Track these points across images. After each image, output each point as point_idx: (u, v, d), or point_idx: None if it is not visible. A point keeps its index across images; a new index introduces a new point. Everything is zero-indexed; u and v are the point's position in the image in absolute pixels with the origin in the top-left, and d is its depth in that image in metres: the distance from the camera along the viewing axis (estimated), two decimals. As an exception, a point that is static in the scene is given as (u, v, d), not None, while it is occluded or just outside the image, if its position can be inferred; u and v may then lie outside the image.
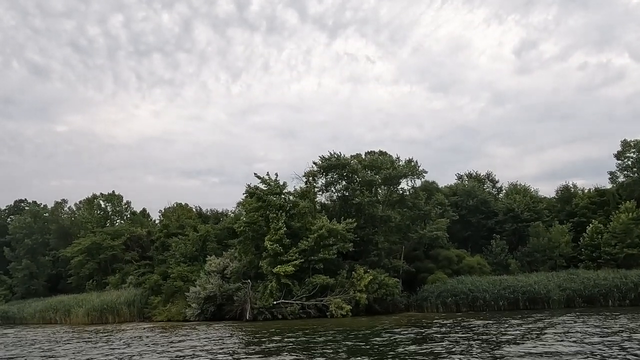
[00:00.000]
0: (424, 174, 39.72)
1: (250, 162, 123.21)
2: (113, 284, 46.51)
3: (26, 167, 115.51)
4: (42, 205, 66.35)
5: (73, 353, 18.81)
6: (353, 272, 33.69)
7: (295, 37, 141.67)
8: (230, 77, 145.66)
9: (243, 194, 39.01)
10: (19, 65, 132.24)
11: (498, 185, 53.41)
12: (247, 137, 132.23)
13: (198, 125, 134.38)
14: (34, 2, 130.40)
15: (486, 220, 45.25)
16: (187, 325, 30.96)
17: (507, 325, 22.34)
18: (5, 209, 69.79)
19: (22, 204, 69.80)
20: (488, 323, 23.71)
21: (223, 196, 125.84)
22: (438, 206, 41.31)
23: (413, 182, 40.20)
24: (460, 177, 54.33)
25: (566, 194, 47.66)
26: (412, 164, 39.20)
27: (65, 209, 64.67)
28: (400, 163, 39.70)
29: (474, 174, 53.94)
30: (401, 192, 40.25)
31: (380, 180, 38.87)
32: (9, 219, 66.54)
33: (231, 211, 51.57)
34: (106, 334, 26.95)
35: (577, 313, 26.77)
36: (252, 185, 37.34)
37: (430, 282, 35.68)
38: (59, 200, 65.32)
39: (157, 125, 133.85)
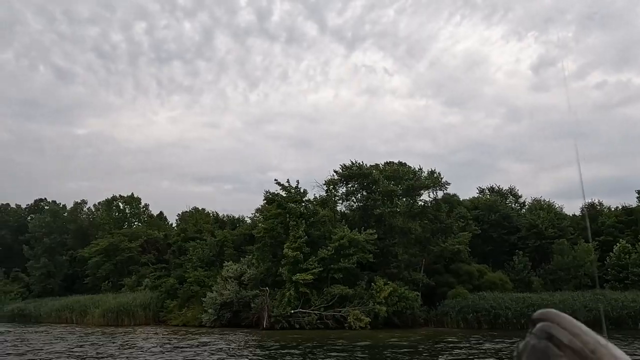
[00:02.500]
0: (446, 186, 39.13)
1: (264, 170, 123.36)
2: (129, 285, 46.47)
3: (46, 167, 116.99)
4: (61, 205, 66.98)
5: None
6: (372, 284, 33.09)
7: (314, 48, 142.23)
8: (248, 85, 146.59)
9: (263, 200, 38.87)
10: (45, 69, 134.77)
11: (521, 200, 52.39)
12: (262, 146, 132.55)
13: (214, 132, 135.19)
14: (61, 8, 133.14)
15: (508, 236, 44.26)
16: (212, 331, 30.56)
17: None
18: (25, 208, 70.66)
19: (41, 203, 70.60)
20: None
21: (236, 203, 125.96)
22: (460, 219, 40.52)
23: (435, 194, 39.62)
24: (481, 191, 53.45)
25: (591, 212, 46.45)
26: (435, 175, 38.61)
27: (84, 209, 65.22)
28: (423, 174, 39.13)
29: (496, 188, 53.02)
30: (422, 203, 39.63)
31: (401, 191, 38.34)
32: (29, 218, 67.27)
33: (248, 217, 51.38)
34: (134, 335, 26.75)
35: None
36: (270, 192, 37.16)
37: (450, 297, 34.84)
38: (78, 201, 65.98)
39: (174, 131, 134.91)
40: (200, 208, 58.13)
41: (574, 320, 0.73)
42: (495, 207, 45.73)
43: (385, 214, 36.29)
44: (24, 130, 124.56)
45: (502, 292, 35.20)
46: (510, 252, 42.31)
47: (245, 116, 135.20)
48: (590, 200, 48.47)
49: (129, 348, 20.95)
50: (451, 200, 42.68)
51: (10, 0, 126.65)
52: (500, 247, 44.14)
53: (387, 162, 43.88)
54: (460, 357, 17.59)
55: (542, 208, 45.44)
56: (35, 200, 71.50)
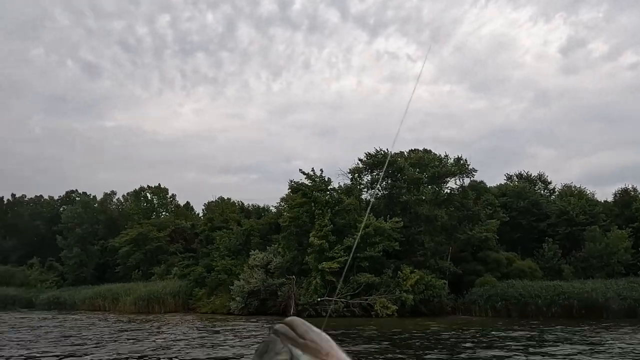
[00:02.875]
0: (473, 173, 38.52)
1: (288, 159, 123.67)
2: (158, 274, 47.49)
3: (77, 160, 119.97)
4: (91, 196, 68.64)
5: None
6: (399, 272, 32.98)
7: (336, 35, 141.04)
8: (271, 75, 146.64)
9: (288, 189, 39.06)
10: (73, 64, 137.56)
11: (550, 186, 51.18)
12: (286, 135, 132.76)
13: (238, 123, 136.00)
14: (88, 3, 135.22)
15: (537, 223, 43.38)
16: (241, 318, 31.03)
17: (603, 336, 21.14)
18: (58, 199, 72.72)
19: (73, 195, 72.52)
20: (577, 330, 22.54)
21: (261, 192, 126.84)
22: (488, 207, 39.87)
23: (461, 181, 39.07)
24: (509, 178, 52.40)
25: (625, 198, 45.07)
26: (462, 162, 38.03)
27: (114, 200, 66.75)
28: (449, 161, 38.59)
29: (525, 174, 51.90)
30: (449, 191, 39.18)
31: (426, 179, 37.95)
32: (61, 209, 69.25)
33: (274, 206, 51.72)
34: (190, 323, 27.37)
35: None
36: (295, 181, 37.29)
37: (478, 285, 34.48)
38: (108, 192, 67.53)
39: (200, 122, 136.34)
40: (226, 198, 58.81)
41: (305, 322, 0.84)
42: (524, 193, 44.83)
43: (410, 201, 36.01)
44: (55, 124, 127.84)
45: (531, 281, 34.65)
46: (539, 239, 41.50)
47: (268, 106, 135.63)
48: (623, 186, 47.09)
49: (172, 333, 21.46)
50: (478, 188, 41.99)
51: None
52: (529, 234, 43.34)
53: (411, 149, 43.39)
54: (489, 345, 17.41)
55: (572, 194, 44.35)
56: (67, 192, 73.51)
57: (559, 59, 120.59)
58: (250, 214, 52.59)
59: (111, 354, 15.30)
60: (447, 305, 33.69)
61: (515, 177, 52.17)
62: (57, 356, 15.06)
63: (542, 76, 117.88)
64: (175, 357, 14.65)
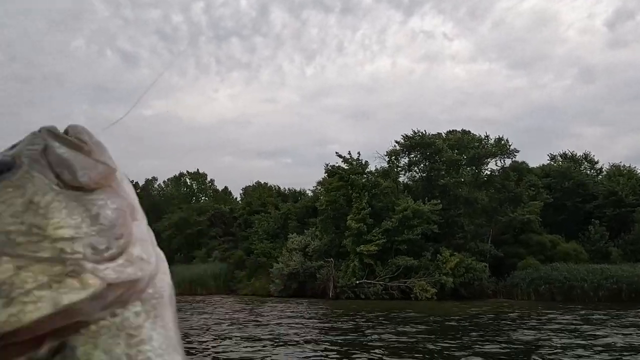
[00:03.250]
0: (515, 153, 37.41)
1: (323, 143, 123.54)
2: (199, 257, 48.81)
3: (118, 148, 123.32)
4: (134, 183, 70.82)
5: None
6: (438, 255, 32.63)
7: (370, 16, 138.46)
8: (305, 59, 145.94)
9: (324, 172, 39.09)
10: (112, 54, 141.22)
11: (597, 166, 49.11)
12: (319, 119, 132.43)
13: (272, 107, 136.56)
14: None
15: (583, 204, 41.77)
16: (282, 300, 31.59)
17: None
18: (102, 186, 75.50)
19: (116, 181, 75.12)
20: (625, 314, 21.82)
21: (296, 177, 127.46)
22: (530, 188, 38.66)
23: (502, 162, 38.03)
24: (553, 158, 50.60)
25: (679, 177, 42.76)
26: (502, 142, 36.96)
27: (155, 186, 68.69)
28: (489, 142, 37.57)
29: (569, 154, 49.97)
30: (489, 172, 38.26)
31: (466, 160, 37.14)
32: (106, 195, 71.93)
33: (310, 189, 51.96)
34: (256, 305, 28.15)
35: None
36: (331, 165, 37.28)
37: (520, 268, 33.71)
38: (149, 178, 69.54)
39: (234, 108, 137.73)
40: (262, 182, 59.53)
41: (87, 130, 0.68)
42: (569, 174, 43.20)
43: (449, 184, 35.40)
44: (97, 114, 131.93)
45: (576, 264, 33.57)
46: (585, 221, 39.98)
47: (302, 90, 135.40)
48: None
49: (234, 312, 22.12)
50: (520, 168, 40.72)
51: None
52: (575, 216, 41.82)
53: (449, 130, 42.44)
54: (532, 328, 17.03)
55: (621, 174, 42.44)
56: (111, 179, 76.19)
57: (604, 32, 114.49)
58: (287, 198, 53.10)
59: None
60: (488, 289, 33.16)
61: (559, 157, 50.35)
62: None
63: (587, 51, 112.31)
64: (220, 337, 15.07)
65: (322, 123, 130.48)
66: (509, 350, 12.71)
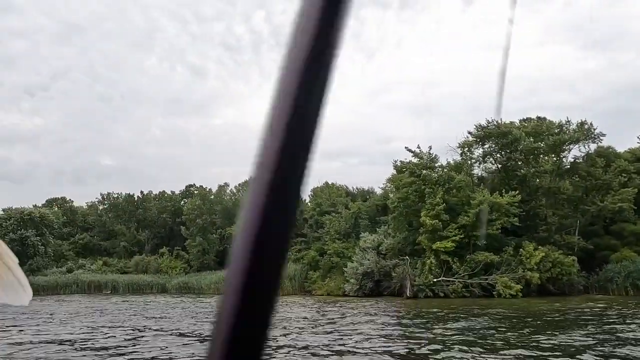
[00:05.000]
0: (600, 138, 34.69)
1: (386, 141, 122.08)
2: (273, 259, 49.68)
3: (192, 156, 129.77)
4: (208, 189, 73.63)
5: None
6: (521, 249, 30.90)
7: (429, 9, 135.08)
8: (365, 58, 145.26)
9: (393, 169, 38.37)
10: (182, 69, 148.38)
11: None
12: (382, 117, 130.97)
13: (334, 108, 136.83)
14: (191, 11, 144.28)
15: (684, 189, 37.88)
16: (358, 299, 31.39)
17: None
18: (179, 193, 79.09)
19: (191, 188, 78.40)
20: None
21: (362, 176, 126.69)
22: (621, 174, 35.65)
23: (587, 147, 35.41)
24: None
25: None
26: (586, 127, 34.40)
27: (227, 191, 70.99)
28: (571, 127, 35.11)
29: (663, 135, 45.55)
30: (572, 159, 35.77)
31: (546, 148, 34.94)
32: (182, 202, 75.30)
33: (380, 187, 51.29)
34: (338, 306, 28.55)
35: None
36: (401, 161, 36.49)
37: (614, 261, 31.18)
38: (222, 184, 71.96)
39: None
40: (330, 183, 59.61)
41: None
42: (665, 157, 39.36)
43: (529, 174, 33.49)
44: (171, 125, 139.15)
45: (680, 254, 30.53)
46: (687, 207, 36.27)
47: (363, 89, 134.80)
48: None
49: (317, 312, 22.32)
50: (607, 154, 37.67)
51: (150, 10, 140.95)
52: (674, 202, 38.05)
53: (523, 118, 40.19)
54: (634, 328, 15.50)
55: None
56: (186, 186, 79.57)
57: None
58: (356, 197, 52.77)
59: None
60: (579, 284, 31.04)
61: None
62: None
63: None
64: (299, 337, 15.04)
65: (384, 120, 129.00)
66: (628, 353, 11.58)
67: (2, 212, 65.85)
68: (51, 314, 24.16)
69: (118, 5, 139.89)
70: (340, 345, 13.36)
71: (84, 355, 12.16)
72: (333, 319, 20.30)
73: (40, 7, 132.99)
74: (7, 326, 18.36)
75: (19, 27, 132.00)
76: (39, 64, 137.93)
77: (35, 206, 71.47)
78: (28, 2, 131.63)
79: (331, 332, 15.95)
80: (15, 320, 20.83)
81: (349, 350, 12.30)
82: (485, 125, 34.96)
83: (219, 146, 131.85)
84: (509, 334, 14.95)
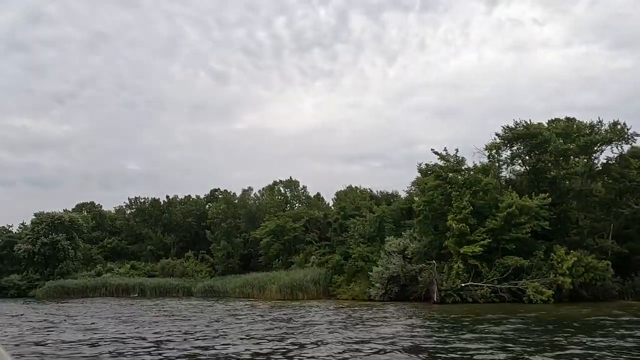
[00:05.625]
0: (634, 138, 33.48)
1: (409, 144, 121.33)
2: (298, 263, 49.64)
3: (216, 161, 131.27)
4: (231, 193, 74.20)
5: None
6: (552, 254, 30.04)
7: (451, 10, 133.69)
8: (386, 61, 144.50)
9: (417, 172, 37.88)
10: (205, 74, 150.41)
11: None
12: (405, 120, 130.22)
13: (356, 112, 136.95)
14: (213, 17, 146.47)
15: None
16: (385, 304, 31.02)
17: None
18: (203, 198, 79.92)
19: (216, 193, 79.14)
20: None
21: (385, 179, 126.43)
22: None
23: (620, 148, 34.23)
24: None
25: None
26: (619, 127, 33.28)
27: (251, 195, 71.37)
28: (603, 127, 34.02)
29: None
30: (604, 161, 34.65)
31: (577, 149, 33.94)
32: (207, 206, 76.06)
33: (405, 190, 50.76)
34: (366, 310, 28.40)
35: None
36: (426, 163, 36.02)
37: (651, 266, 30.00)
38: (246, 188, 72.39)
39: (320, 115, 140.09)
40: (354, 186, 59.30)
41: None
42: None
43: (559, 176, 32.57)
44: (195, 130, 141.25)
45: None
46: None
47: (385, 92, 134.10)
48: None
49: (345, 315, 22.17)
50: (641, 154, 36.37)
51: (173, 18, 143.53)
52: None
53: (551, 119, 39.21)
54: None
55: None
56: (211, 190, 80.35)
57: None
58: (380, 201, 52.33)
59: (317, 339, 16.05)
60: (613, 289, 29.97)
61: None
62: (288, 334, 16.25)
63: None
64: (328, 341, 14.85)
65: (407, 124, 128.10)
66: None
67: (34, 217, 67.66)
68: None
69: (143, 14, 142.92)
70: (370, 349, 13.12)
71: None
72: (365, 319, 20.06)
73: (69, 17, 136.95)
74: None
75: (49, 37, 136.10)
76: (67, 72, 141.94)
77: (65, 211, 73.24)
78: (58, 12, 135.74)
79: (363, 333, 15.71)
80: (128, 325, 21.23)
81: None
82: (513, 126, 34.20)
83: (240, 150, 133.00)
84: (545, 340, 14.45)
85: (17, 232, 71.09)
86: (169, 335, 17.57)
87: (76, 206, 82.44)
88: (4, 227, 71.45)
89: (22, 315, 30.07)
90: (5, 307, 39.53)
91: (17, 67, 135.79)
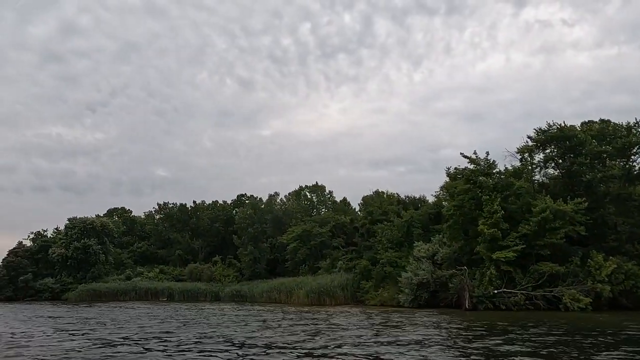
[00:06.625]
0: (676, 139, 32.04)
1: (435, 149, 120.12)
2: (324, 268, 49.36)
3: (242, 166, 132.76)
4: (258, 199, 74.63)
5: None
6: (589, 260, 28.92)
7: (477, 13, 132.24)
8: (412, 65, 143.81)
9: (447, 175, 37.14)
10: (231, 82, 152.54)
11: None
12: (431, 124, 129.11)
13: (382, 117, 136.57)
14: (239, 25, 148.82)
15: None
16: (414, 311, 30.41)
17: None
18: (230, 203, 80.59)
19: (242, 198, 79.72)
20: None
21: (411, 184, 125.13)
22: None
23: (661, 150, 32.80)
24: None
25: None
26: (659, 128, 31.94)
27: (277, 200, 71.57)
28: (641, 128, 32.72)
29: None
30: (644, 163, 33.28)
31: (613, 151, 32.71)
32: (234, 211, 76.62)
33: (433, 194, 49.93)
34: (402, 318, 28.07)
35: None
36: (455, 167, 35.32)
37: (696, 273, 28.51)
38: (272, 193, 72.72)
39: (345, 121, 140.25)
40: (381, 191, 58.74)
41: None
42: None
43: (595, 179, 31.41)
44: (221, 137, 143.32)
45: None
46: None
47: (411, 97, 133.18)
48: None
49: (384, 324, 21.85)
50: (683, 156, 34.78)
51: (200, 27, 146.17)
52: None
53: (584, 121, 38.01)
54: None
55: None
56: (238, 196, 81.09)
57: None
58: (408, 206, 51.60)
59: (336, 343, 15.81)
60: (656, 298, 28.56)
61: None
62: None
63: None
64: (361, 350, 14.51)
65: (433, 128, 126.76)
66: None
67: (67, 222, 69.50)
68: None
69: (171, 23, 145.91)
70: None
71: None
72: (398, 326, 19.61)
73: (101, 28, 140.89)
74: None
75: (82, 47, 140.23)
76: (99, 82, 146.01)
77: (97, 216, 75.00)
78: (90, 23, 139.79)
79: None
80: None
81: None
82: (546, 128, 33.23)
83: (266, 156, 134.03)
84: (590, 351, 13.75)
85: (52, 236, 73.13)
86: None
87: (107, 211, 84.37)
88: (39, 231, 73.68)
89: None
90: (61, 311, 40.30)
91: (52, 77, 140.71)
